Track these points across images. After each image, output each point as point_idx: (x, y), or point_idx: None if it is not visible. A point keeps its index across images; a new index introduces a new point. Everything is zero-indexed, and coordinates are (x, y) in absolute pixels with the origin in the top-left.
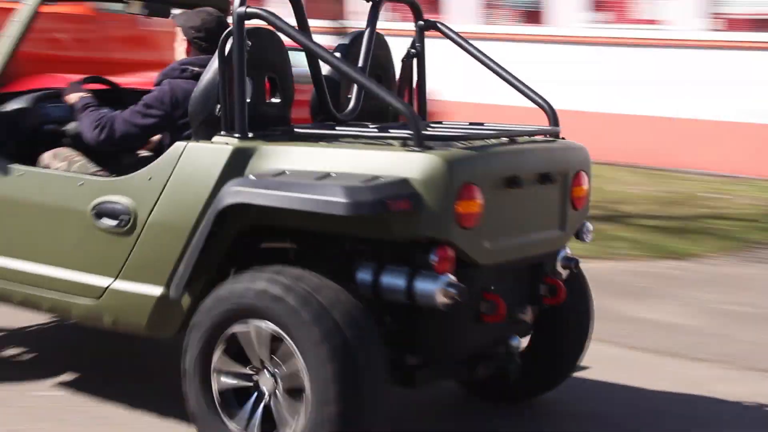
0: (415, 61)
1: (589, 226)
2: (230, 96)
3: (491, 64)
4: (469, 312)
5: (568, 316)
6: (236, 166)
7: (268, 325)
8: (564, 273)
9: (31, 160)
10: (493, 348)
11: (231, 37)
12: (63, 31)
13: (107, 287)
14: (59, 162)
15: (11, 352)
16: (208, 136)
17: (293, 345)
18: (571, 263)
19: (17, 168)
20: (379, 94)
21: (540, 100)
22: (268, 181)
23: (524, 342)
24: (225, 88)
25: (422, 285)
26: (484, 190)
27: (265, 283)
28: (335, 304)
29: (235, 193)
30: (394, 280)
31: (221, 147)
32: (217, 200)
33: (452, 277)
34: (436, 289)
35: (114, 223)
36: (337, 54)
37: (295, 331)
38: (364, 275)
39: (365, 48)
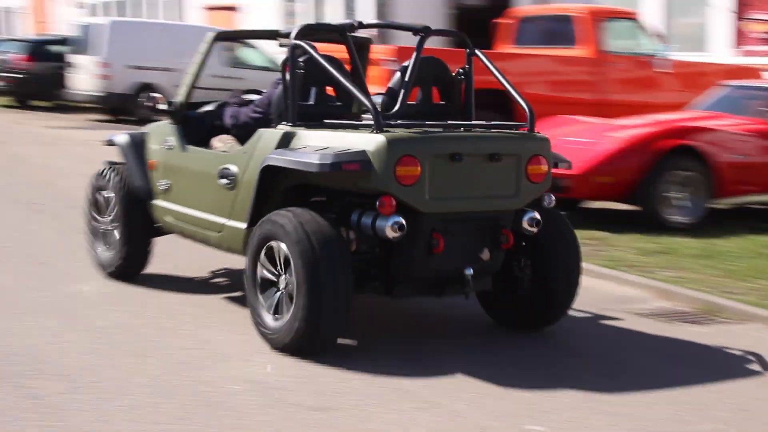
0: (464, 78)
1: (552, 196)
2: (287, 99)
3: (501, 78)
4: (422, 246)
5: (557, 266)
6: (284, 143)
7: (279, 244)
8: (531, 229)
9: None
10: (454, 275)
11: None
12: (568, 74)
13: (223, 224)
14: (218, 143)
15: (218, 280)
16: (278, 125)
17: (290, 255)
18: (534, 222)
19: (191, 148)
20: (357, 95)
21: (524, 105)
22: (284, 151)
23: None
24: (285, 95)
25: (379, 223)
26: (423, 161)
27: (279, 218)
28: (315, 232)
29: (268, 159)
30: (366, 220)
31: (277, 131)
32: (261, 164)
33: (400, 218)
34: (386, 225)
35: (226, 181)
36: (398, 73)
37: (290, 247)
38: (353, 217)
39: (411, 68)
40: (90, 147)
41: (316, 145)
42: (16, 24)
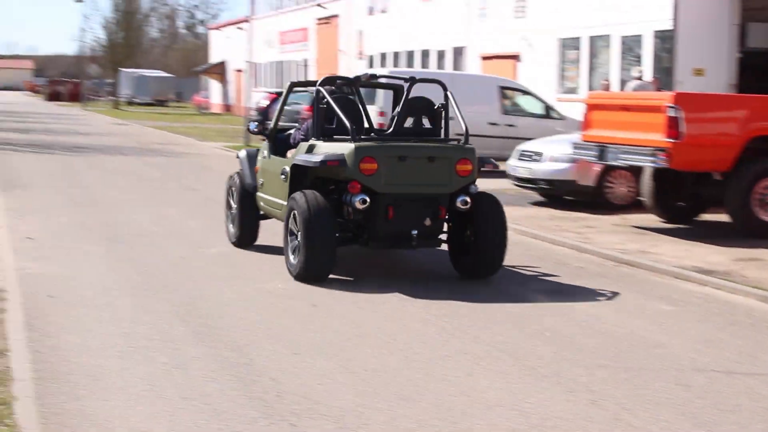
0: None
1: (477, 185)
2: (314, 125)
3: (456, 109)
4: (381, 214)
5: (488, 233)
6: (308, 150)
7: (295, 212)
8: (462, 207)
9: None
10: (405, 234)
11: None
12: None
13: (282, 204)
14: (289, 154)
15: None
16: (310, 140)
17: (299, 217)
18: (464, 202)
19: (274, 157)
20: (343, 120)
21: (463, 124)
22: (303, 155)
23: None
24: (313, 122)
25: (352, 198)
26: (379, 160)
27: (297, 196)
28: (312, 203)
29: (294, 160)
30: (347, 197)
31: (307, 144)
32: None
33: (364, 195)
34: (356, 200)
35: (283, 177)
36: (397, 109)
37: (297, 212)
38: (344, 196)
39: (401, 104)
40: None
41: (322, 151)
42: (306, 76)
